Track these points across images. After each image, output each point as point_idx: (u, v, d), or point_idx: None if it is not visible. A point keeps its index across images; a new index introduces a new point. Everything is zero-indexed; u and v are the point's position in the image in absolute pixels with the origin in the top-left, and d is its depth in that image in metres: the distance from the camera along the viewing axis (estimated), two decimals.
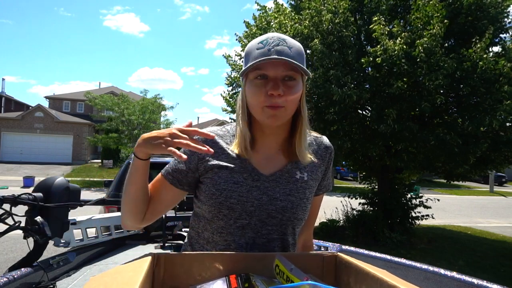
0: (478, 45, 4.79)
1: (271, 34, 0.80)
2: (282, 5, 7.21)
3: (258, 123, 0.83)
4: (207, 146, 0.73)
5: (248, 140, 0.83)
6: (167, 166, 0.90)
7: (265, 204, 0.82)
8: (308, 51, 5.91)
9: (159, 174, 0.90)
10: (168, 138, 0.73)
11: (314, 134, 0.95)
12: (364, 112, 6.40)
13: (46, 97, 32.04)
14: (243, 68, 0.79)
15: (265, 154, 0.86)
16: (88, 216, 1.64)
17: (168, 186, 0.87)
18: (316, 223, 7.44)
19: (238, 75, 7.96)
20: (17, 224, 1.18)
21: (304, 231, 0.98)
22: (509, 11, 5.52)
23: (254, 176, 0.83)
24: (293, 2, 7.15)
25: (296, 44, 0.80)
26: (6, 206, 1.18)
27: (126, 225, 0.89)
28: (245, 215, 0.81)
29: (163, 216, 1.88)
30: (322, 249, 1.72)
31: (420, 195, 7.14)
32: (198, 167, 0.86)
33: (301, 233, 0.96)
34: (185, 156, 0.70)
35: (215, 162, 0.84)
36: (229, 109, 8.24)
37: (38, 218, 1.25)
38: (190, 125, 0.78)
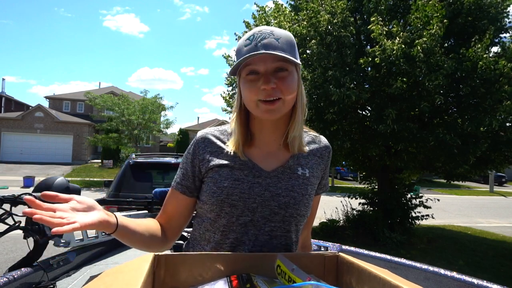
0: (478, 45, 4.78)
1: (258, 28, 0.79)
2: (281, 5, 7.21)
3: (257, 119, 0.83)
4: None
5: (243, 138, 0.84)
6: (175, 178, 0.91)
7: (268, 200, 0.81)
8: (307, 51, 5.91)
9: (171, 189, 0.91)
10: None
11: (313, 132, 0.95)
12: (363, 112, 6.40)
13: (46, 97, 32.01)
14: (233, 66, 0.79)
15: (265, 150, 0.86)
16: None
17: (180, 198, 0.88)
18: (316, 223, 7.45)
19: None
20: (17, 224, 1.18)
21: (303, 231, 0.97)
22: (509, 11, 5.51)
23: (255, 172, 0.83)
24: (292, 2, 7.15)
25: (284, 34, 0.78)
26: (6, 206, 1.18)
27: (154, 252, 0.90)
28: (247, 212, 0.81)
29: None
30: (322, 249, 1.71)
31: (420, 195, 7.13)
32: (201, 170, 0.86)
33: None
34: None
35: (215, 161, 0.84)
36: (229, 109, 8.25)
37: None
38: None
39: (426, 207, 6.90)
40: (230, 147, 0.85)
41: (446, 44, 5.55)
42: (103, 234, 1.74)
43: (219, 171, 0.83)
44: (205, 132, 0.90)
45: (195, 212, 0.94)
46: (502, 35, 5.71)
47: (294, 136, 0.84)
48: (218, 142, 0.87)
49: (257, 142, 0.86)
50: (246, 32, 7.50)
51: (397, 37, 4.97)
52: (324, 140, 0.95)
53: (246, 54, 0.75)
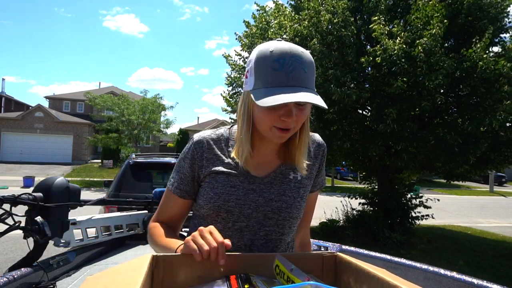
0: (478, 45, 4.78)
1: (283, 47, 0.73)
2: (282, 5, 7.20)
3: (260, 133, 0.82)
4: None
5: (249, 152, 0.82)
6: (172, 181, 0.90)
7: (261, 205, 0.83)
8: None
9: (168, 192, 0.91)
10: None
11: None
12: (364, 112, 6.40)
13: (46, 97, 32.01)
14: (254, 83, 0.75)
15: (260, 158, 0.87)
16: (88, 216, 1.64)
17: (180, 201, 0.90)
18: (316, 223, 7.46)
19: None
20: (17, 224, 1.18)
21: (300, 229, 0.99)
22: (509, 11, 5.51)
23: (250, 179, 0.85)
24: (292, 2, 7.15)
25: (308, 58, 0.75)
26: (6, 206, 1.18)
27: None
28: (242, 217, 0.83)
29: None
30: (322, 249, 1.71)
31: (420, 195, 7.14)
32: (200, 175, 0.87)
33: (297, 231, 0.97)
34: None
35: (212, 167, 0.86)
36: (229, 109, 8.24)
37: (38, 218, 1.25)
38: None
39: (426, 207, 6.90)
40: (229, 154, 0.86)
41: (446, 44, 5.55)
42: (103, 234, 1.74)
43: (216, 177, 0.85)
44: (202, 136, 0.89)
45: (191, 212, 0.95)
46: (502, 35, 5.72)
47: (303, 160, 0.86)
48: (215, 148, 0.88)
49: (255, 151, 0.86)
50: (246, 32, 7.48)
51: (398, 37, 4.97)
52: (318, 138, 0.96)
53: (275, 82, 0.72)
